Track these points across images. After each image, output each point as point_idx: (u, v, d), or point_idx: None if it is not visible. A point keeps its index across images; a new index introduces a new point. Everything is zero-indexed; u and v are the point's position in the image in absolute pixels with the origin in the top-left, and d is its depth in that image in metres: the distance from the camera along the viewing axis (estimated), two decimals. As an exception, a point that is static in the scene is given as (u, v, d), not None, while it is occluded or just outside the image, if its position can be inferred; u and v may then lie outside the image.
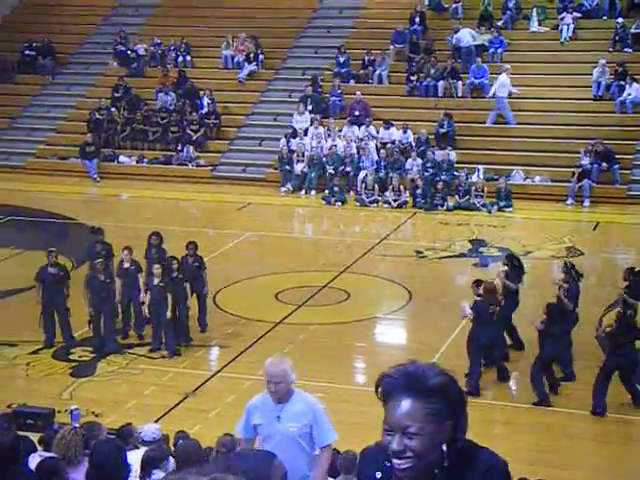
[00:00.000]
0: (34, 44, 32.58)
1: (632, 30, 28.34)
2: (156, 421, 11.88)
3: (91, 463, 5.68)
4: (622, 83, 26.79)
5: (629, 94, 26.60)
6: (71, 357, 15.13)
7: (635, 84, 26.62)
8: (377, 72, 29.26)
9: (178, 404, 13.46)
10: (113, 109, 29.73)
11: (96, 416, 12.38)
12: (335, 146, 26.82)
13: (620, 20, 28.60)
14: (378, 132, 27.15)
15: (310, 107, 28.36)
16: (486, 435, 10.10)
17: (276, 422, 7.29)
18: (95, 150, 28.58)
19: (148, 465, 7.50)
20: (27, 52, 32.56)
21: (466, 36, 29.02)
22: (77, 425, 9.54)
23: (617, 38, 28.38)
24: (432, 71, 28.44)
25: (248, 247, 21.74)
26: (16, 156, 29.81)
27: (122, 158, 28.97)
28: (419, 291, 18.21)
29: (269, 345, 15.64)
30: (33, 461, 7.01)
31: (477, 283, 14.36)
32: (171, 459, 7.87)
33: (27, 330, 16.03)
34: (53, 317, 15.43)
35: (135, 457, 7.46)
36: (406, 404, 2.97)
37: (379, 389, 3.06)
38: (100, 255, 15.88)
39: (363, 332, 16.58)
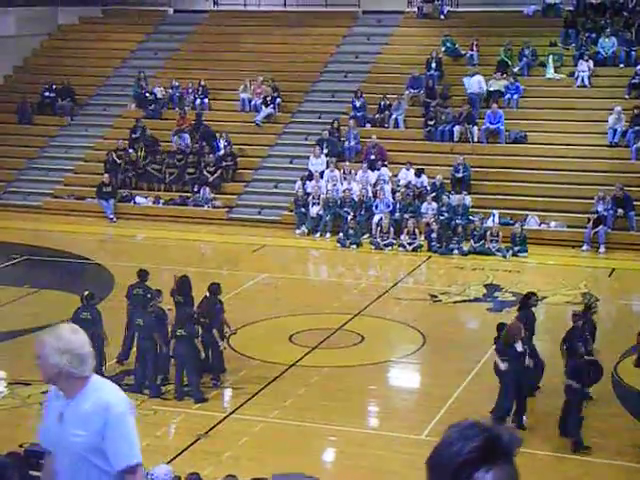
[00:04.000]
0: (54, 86, 32.97)
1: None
2: (168, 462, 11.82)
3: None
4: (638, 130, 26.84)
5: (645, 141, 26.64)
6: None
7: (650, 131, 26.67)
8: (393, 116, 29.42)
9: (190, 446, 13.39)
10: (130, 150, 29.98)
11: (108, 456, 12.31)
12: (350, 189, 26.92)
13: (636, 67, 28.73)
14: (396, 175, 27.22)
15: (326, 150, 28.52)
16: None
17: (57, 424, 4.98)
18: (112, 190, 28.78)
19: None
20: (47, 94, 32.94)
21: (474, 84, 29.19)
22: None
23: (633, 85, 28.49)
24: (448, 116, 28.59)
25: (263, 289, 21.75)
26: (34, 196, 30.03)
27: (138, 199, 29.14)
28: (433, 335, 18.14)
29: (282, 387, 15.59)
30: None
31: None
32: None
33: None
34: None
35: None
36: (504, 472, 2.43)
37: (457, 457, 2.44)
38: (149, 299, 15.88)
39: (376, 375, 16.50)
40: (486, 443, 2.36)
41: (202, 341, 15.35)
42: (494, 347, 14.34)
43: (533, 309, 15.44)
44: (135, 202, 29.11)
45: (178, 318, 15.31)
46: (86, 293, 15.76)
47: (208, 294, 15.97)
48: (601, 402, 14.62)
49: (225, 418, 14.36)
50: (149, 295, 16.10)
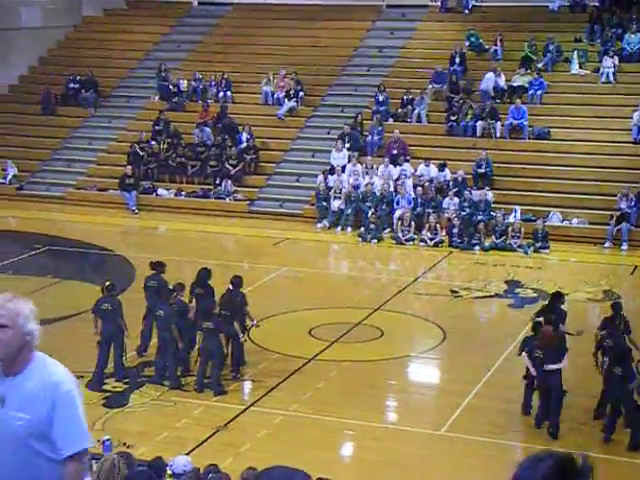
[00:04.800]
0: (77, 77, 33.11)
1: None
2: (187, 454, 11.88)
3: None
4: (662, 127, 26.68)
5: (669, 138, 26.47)
6: (104, 387, 15.18)
7: (676, 128, 26.49)
8: (416, 111, 29.35)
9: (209, 437, 13.45)
10: (153, 142, 30.07)
11: (128, 447, 12.40)
12: (372, 183, 26.89)
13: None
14: (416, 170, 27.19)
15: (348, 144, 28.49)
16: None
17: None
18: (134, 182, 28.88)
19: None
20: (70, 85, 33.09)
21: (488, 82, 29.03)
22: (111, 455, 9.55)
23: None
24: (475, 110, 28.48)
25: (283, 282, 21.78)
26: (57, 187, 30.19)
27: (160, 191, 29.23)
28: (453, 330, 18.10)
29: (301, 381, 15.61)
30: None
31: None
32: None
33: (62, 360, 16.15)
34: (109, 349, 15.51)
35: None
36: None
37: None
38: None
39: (396, 370, 16.50)
40: (560, 466, 2.38)
41: (224, 334, 15.39)
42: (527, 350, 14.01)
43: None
44: (157, 194, 29.21)
45: (202, 311, 15.36)
46: (107, 284, 15.82)
47: (231, 286, 16.00)
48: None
49: (244, 411, 14.41)
50: (164, 287, 16.15)
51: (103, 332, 15.36)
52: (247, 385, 15.73)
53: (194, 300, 16.14)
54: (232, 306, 15.66)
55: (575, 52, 29.95)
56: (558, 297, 15.57)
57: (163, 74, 32.57)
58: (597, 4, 31.75)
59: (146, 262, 17.76)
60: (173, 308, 15.48)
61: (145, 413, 14.36)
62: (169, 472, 9.32)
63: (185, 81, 32.42)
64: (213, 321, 15.03)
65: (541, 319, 14.44)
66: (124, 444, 12.67)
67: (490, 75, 29.25)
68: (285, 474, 2.93)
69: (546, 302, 16.02)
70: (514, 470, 2.51)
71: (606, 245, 24.50)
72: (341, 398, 14.89)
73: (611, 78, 29.03)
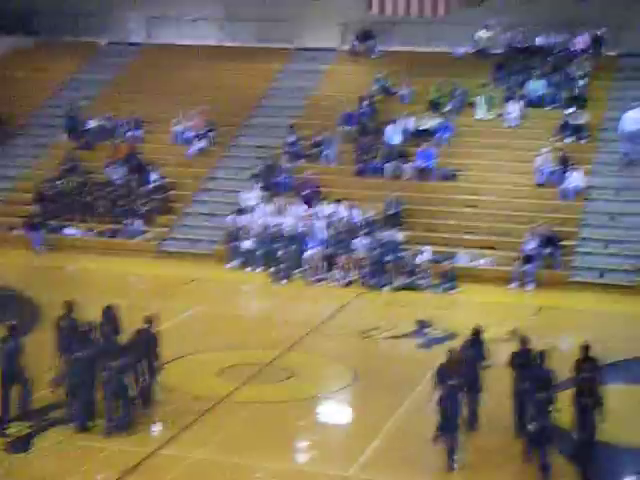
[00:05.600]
0: (-17, 114, 32.53)
1: (574, 121, 29.13)
2: (92, 499, 11.60)
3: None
4: (564, 171, 27.45)
5: (570, 182, 27.25)
6: (8, 432, 14.76)
7: (576, 172, 27.31)
8: (324, 152, 29.63)
9: (116, 482, 13.17)
10: (59, 182, 29.63)
11: (30, 493, 12.06)
12: (282, 224, 26.96)
13: (563, 111, 29.45)
14: (327, 210, 27.36)
15: (261, 184, 28.57)
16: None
17: None
18: (41, 221, 28.39)
19: None
20: (-24, 123, 32.48)
21: (393, 137, 29.49)
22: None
23: (561, 127, 29.16)
24: (384, 151, 28.88)
25: (193, 322, 21.59)
26: (-40, 225, 29.46)
27: (68, 230, 28.78)
28: (364, 371, 18.16)
29: (211, 422, 15.45)
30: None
31: None
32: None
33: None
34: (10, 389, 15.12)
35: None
36: None
37: None
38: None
39: (306, 411, 16.44)
40: None
41: (132, 373, 15.13)
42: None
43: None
44: (64, 233, 28.74)
45: (109, 350, 15.09)
46: (11, 324, 15.46)
47: (145, 325, 15.78)
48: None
49: (152, 454, 14.16)
50: (78, 327, 15.83)
51: (4, 373, 14.98)
52: (156, 427, 15.47)
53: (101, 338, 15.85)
54: (142, 344, 15.43)
55: (481, 97, 30.70)
56: (477, 333, 15.78)
57: (72, 113, 32.22)
58: (501, 51, 32.64)
59: (52, 302, 17.41)
60: (92, 349, 15.09)
61: (49, 458, 13.99)
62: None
63: (95, 120, 32.11)
64: (119, 360, 14.80)
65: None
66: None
67: (390, 127, 29.65)
68: None
69: (468, 338, 16.09)
70: None
71: (512, 286, 25.00)
72: (251, 440, 14.78)
73: (515, 122, 29.82)
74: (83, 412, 15.00)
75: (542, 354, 14.38)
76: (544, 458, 13.47)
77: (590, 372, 14.19)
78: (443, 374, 13.82)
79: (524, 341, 15.17)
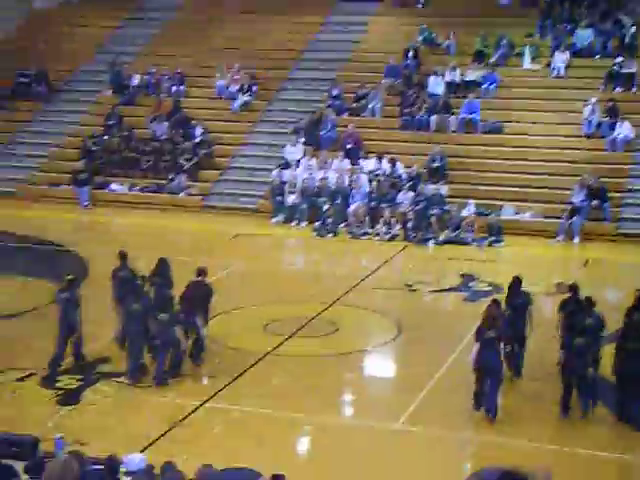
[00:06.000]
0: (28, 71, 32.67)
1: (623, 70, 28.58)
2: (142, 451, 11.78)
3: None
4: (613, 121, 26.99)
5: (619, 133, 26.80)
6: (58, 385, 15.01)
7: (625, 123, 26.83)
8: (370, 105, 29.40)
9: (164, 434, 13.35)
10: (106, 137, 29.78)
11: (81, 445, 12.25)
12: (327, 178, 26.89)
13: (612, 60, 28.88)
14: (371, 164, 27.22)
15: (303, 139, 28.46)
16: None
17: None
18: (87, 177, 28.59)
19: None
20: (21, 79, 32.64)
21: (437, 89, 29.10)
22: (63, 454, 9.45)
23: (609, 77, 28.63)
24: (430, 104, 28.59)
25: (237, 277, 21.69)
26: (7, 182, 29.78)
27: (114, 186, 28.98)
28: (409, 324, 18.16)
29: (257, 376, 15.57)
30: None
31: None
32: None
33: (12, 357, 15.96)
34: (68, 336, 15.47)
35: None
36: None
37: None
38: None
39: (351, 365, 16.50)
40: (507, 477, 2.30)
41: (184, 325, 15.30)
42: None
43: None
44: (110, 189, 28.95)
45: (157, 301, 15.26)
46: (69, 277, 15.79)
47: (196, 277, 15.88)
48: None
49: (200, 406, 14.32)
50: (134, 278, 16.06)
51: (62, 323, 15.30)
52: (202, 381, 15.64)
53: (152, 290, 16.03)
54: (196, 297, 15.55)
55: (527, 47, 30.21)
56: (519, 282, 15.74)
57: (116, 68, 32.27)
58: (548, 0, 32.03)
59: (99, 257, 17.60)
60: (145, 302, 15.29)
61: (99, 410, 14.21)
62: (123, 470, 9.23)
63: (138, 75, 32.15)
64: (169, 312, 14.95)
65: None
66: (78, 442, 12.52)
67: (434, 79, 29.29)
68: (236, 475, 2.90)
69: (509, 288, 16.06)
70: None
71: (559, 238, 24.76)
72: (297, 393, 14.88)
73: (562, 73, 29.33)
74: (136, 364, 15.20)
75: (590, 300, 14.38)
76: (585, 407, 13.52)
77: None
78: (480, 329, 13.81)
79: (573, 289, 15.17)
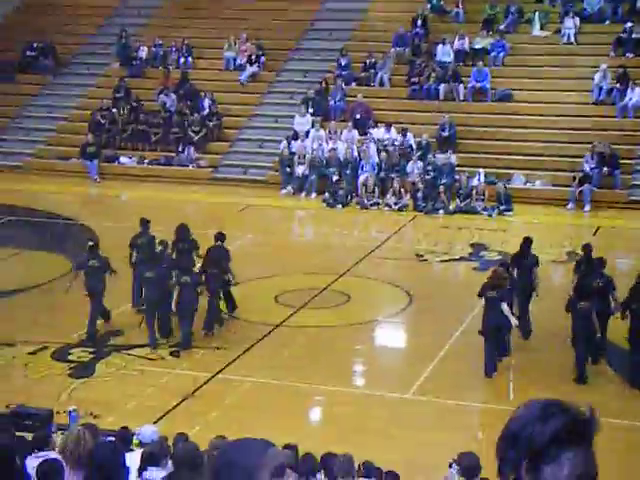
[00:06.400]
0: (35, 44, 32.56)
1: (634, 35, 28.31)
2: (155, 423, 11.84)
3: (89, 466, 5.62)
4: (623, 87, 26.77)
5: (630, 99, 26.58)
6: (70, 358, 15.08)
7: (637, 89, 26.59)
8: (379, 75, 29.23)
9: (177, 406, 13.41)
10: (114, 110, 29.71)
11: (94, 417, 12.33)
12: (336, 149, 26.78)
13: (622, 25, 28.59)
14: (380, 134, 27.09)
15: (311, 110, 28.34)
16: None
17: None
18: (96, 150, 28.56)
19: (145, 461, 7.47)
20: (28, 52, 32.54)
21: (444, 55, 28.91)
22: (76, 426, 9.49)
23: (619, 43, 28.37)
24: (439, 73, 28.40)
25: (248, 249, 21.68)
26: (16, 156, 29.77)
27: (123, 159, 28.94)
28: (419, 294, 18.15)
29: (268, 347, 15.61)
30: (31, 462, 6.98)
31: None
32: (169, 461, 7.82)
33: (24, 331, 16.02)
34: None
35: (132, 459, 7.41)
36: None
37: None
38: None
39: (363, 335, 16.53)
40: (572, 424, 2.30)
41: (207, 289, 15.75)
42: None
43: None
44: (119, 162, 28.92)
45: (182, 266, 15.64)
46: (90, 244, 16.27)
47: (216, 242, 16.44)
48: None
49: (211, 378, 14.37)
50: (153, 243, 16.56)
51: (89, 287, 15.75)
52: (214, 353, 15.69)
53: (176, 255, 16.50)
54: (218, 261, 15.98)
55: (536, 13, 29.94)
56: (529, 242, 15.94)
57: (124, 40, 32.12)
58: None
59: (109, 230, 17.65)
60: (163, 268, 15.65)
61: (111, 383, 14.28)
62: (136, 441, 9.27)
63: (146, 47, 32.01)
64: (191, 276, 15.27)
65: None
66: (91, 414, 12.60)
67: (443, 48, 29.08)
68: (247, 445, 2.88)
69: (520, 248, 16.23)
70: (516, 413, 2.37)
71: (569, 207, 24.65)
72: (308, 364, 14.91)
73: (572, 39, 29.06)
74: (155, 329, 15.44)
75: (601, 260, 14.54)
76: (581, 365, 13.80)
77: None
78: (485, 287, 14.27)
79: (586, 248, 15.34)
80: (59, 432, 9.46)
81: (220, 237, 16.58)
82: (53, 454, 7.15)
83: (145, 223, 17.28)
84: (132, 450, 8.56)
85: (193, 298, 15.23)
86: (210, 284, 15.77)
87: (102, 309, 16.02)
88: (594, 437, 2.35)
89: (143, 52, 31.89)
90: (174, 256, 16.46)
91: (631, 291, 14.09)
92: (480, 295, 14.28)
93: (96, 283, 15.72)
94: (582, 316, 13.70)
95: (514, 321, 14.31)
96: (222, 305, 16.48)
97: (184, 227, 17.03)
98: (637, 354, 13.85)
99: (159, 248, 16.40)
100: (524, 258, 15.66)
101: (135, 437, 9.41)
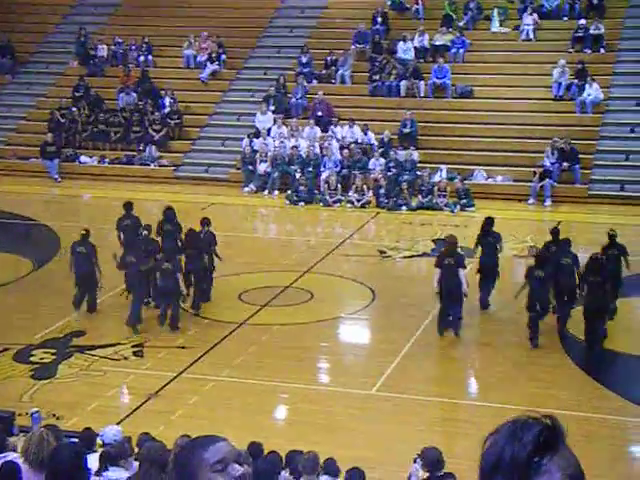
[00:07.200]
0: (-7, 43, 32.22)
1: (591, 31, 28.59)
2: (118, 423, 11.76)
3: (49, 468, 5.55)
4: (582, 83, 27.04)
5: (589, 94, 26.85)
6: (32, 359, 14.94)
7: (595, 84, 26.88)
8: (339, 72, 29.27)
9: (141, 406, 13.34)
10: (74, 109, 29.47)
11: (57, 419, 12.24)
12: (298, 146, 26.79)
13: (580, 21, 28.87)
14: (340, 132, 27.14)
15: (273, 107, 28.32)
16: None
17: None
18: (56, 150, 28.32)
19: (104, 461, 7.42)
20: (-15, 51, 32.19)
21: (404, 52, 29.05)
22: (39, 427, 9.40)
23: (577, 39, 28.65)
24: (399, 70, 28.49)
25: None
26: (-25, 156, 29.43)
27: (83, 158, 28.72)
28: (382, 291, 18.22)
29: (232, 346, 15.58)
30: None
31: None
32: (134, 461, 7.78)
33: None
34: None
35: (95, 460, 7.37)
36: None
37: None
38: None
39: (326, 332, 16.55)
40: (545, 429, 2.32)
41: (188, 272, 16.35)
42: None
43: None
44: (80, 161, 28.70)
45: (166, 251, 16.25)
46: (83, 232, 16.65)
47: (203, 227, 17.09)
48: (545, 352, 14.87)
49: (175, 378, 14.32)
50: (139, 225, 17.32)
51: (77, 273, 16.24)
52: (178, 352, 15.62)
53: (161, 238, 17.11)
54: (198, 244, 16.50)
55: (495, 10, 30.13)
56: (491, 220, 16.98)
57: (83, 38, 31.87)
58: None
59: (71, 231, 17.50)
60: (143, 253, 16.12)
61: (74, 384, 14.17)
62: (99, 442, 9.21)
63: (105, 45, 31.77)
64: (172, 262, 15.70)
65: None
66: (53, 415, 12.50)
67: (403, 44, 29.17)
68: (194, 443, 2.93)
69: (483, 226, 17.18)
70: (488, 442, 2.36)
71: (530, 202, 24.86)
72: (273, 362, 14.91)
73: (531, 35, 29.29)
74: (137, 312, 15.84)
75: (567, 241, 15.84)
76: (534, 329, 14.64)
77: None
78: (441, 255, 15.40)
79: (554, 232, 16.58)
80: (21, 434, 9.38)
81: (206, 222, 17.24)
82: (12, 455, 7.09)
83: (129, 205, 18.02)
84: (96, 451, 8.51)
85: (172, 284, 15.67)
86: (193, 265, 16.35)
87: (94, 298, 16.51)
88: (566, 439, 2.38)
89: (103, 50, 31.66)
90: (159, 239, 17.05)
91: (587, 267, 14.94)
92: (438, 265, 15.18)
93: (85, 269, 16.22)
94: (537, 283, 14.62)
95: (465, 288, 15.17)
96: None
97: (171, 209, 17.78)
98: (591, 322, 14.64)
99: (144, 232, 16.94)
100: (487, 236, 16.69)
101: (99, 438, 9.35)
